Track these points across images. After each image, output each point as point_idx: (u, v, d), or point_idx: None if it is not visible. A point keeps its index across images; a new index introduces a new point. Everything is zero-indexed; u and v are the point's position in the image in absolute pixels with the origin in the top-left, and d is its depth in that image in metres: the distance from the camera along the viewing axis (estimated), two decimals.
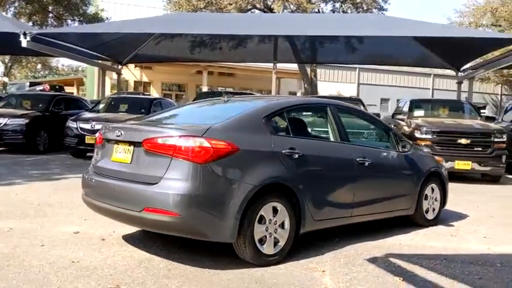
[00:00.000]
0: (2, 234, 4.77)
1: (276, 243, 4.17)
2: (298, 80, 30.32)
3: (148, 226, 3.96)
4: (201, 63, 25.14)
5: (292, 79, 30.41)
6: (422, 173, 5.80)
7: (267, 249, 4.09)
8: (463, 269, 4.30)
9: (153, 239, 4.75)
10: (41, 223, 5.29)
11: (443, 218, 6.28)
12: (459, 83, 16.22)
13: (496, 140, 10.27)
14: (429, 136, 10.36)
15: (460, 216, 6.63)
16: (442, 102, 13.09)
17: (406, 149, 5.62)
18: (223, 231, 3.83)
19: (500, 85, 38.17)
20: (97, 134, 4.66)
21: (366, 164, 5.02)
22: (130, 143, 4.13)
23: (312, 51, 19.15)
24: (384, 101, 37.81)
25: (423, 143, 10.07)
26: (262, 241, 4.06)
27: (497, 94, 41.53)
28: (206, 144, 3.80)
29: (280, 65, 26.84)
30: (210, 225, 3.82)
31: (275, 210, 4.14)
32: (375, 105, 33.24)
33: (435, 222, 6.03)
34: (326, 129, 4.99)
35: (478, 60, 15.09)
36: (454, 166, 9.93)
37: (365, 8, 20.53)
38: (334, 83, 36.50)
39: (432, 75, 38.68)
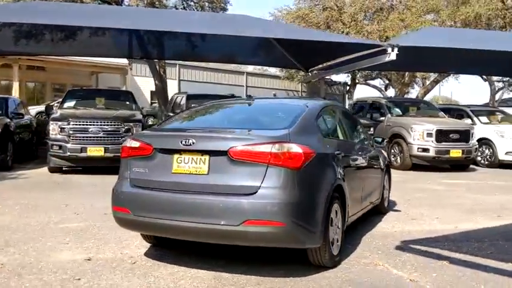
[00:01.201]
0: (2, 272, 3.81)
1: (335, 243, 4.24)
2: (121, 76, 29.07)
3: (248, 240, 3.59)
4: (9, 56, 22.13)
5: (114, 74, 28.95)
6: (384, 165, 6.42)
7: (335, 250, 4.14)
8: (471, 247, 4.95)
9: (188, 255, 4.33)
10: (26, 253, 4.36)
11: None
12: (308, 83, 17.75)
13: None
14: None
15: (391, 201, 7.44)
16: None
17: (381, 145, 6.16)
18: (315, 236, 3.76)
19: (300, 83, 42.43)
20: (133, 143, 3.98)
21: (367, 159, 5.38)
22: (203, 152, 3.70)
23: (158, 47, 18.66)
24: None
25: None
26: (332, 243, 4.09)
27: (298, 91, 46.11)
28: (298, 149, 3.67)
29: (100, 59, 25.34)
30: (307, 232, 3.71)
31: (336, 212, 4.21)
32: None
33: (388, 208, 6.72)
34: (337, 129, 5.17)
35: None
36: None
37: (208, 8, 20.83)
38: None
39: (245, 73, 41.07)
